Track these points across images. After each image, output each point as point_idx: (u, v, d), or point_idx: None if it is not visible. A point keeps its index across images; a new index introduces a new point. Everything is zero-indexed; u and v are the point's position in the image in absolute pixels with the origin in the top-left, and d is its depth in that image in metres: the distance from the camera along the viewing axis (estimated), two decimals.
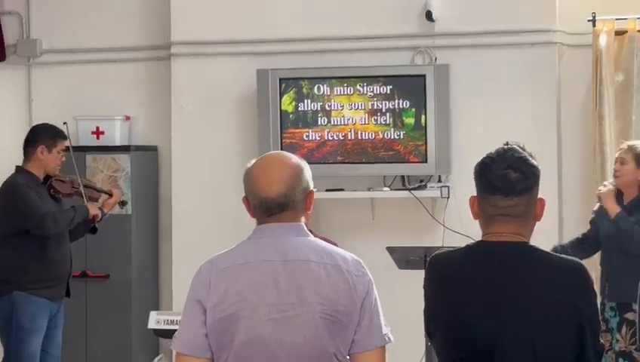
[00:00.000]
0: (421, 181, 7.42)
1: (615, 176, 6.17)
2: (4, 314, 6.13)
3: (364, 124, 7.41)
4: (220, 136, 7.75)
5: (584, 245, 6.22)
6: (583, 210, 6.54)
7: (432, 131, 7.26)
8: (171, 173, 7.87)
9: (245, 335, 2.98)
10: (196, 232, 7.65)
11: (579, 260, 3.14)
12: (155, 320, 6.21)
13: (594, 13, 7.22)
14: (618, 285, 5.93)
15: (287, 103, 7.49)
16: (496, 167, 3.09)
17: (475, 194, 3.16)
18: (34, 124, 6.78)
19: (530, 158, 3.12)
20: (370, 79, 7.39)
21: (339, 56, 7.57)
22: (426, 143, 7.29)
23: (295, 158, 3.14)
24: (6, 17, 8.38)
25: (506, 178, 3.07)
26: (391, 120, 7.37)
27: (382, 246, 6.37)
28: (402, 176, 7.47)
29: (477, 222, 3.19)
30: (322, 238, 3.30)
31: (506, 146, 3.14)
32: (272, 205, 3.06)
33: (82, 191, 6.42)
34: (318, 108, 7.46)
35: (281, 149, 6.72)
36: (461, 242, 3.36)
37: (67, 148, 6.35)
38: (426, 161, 7.30)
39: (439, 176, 7.40)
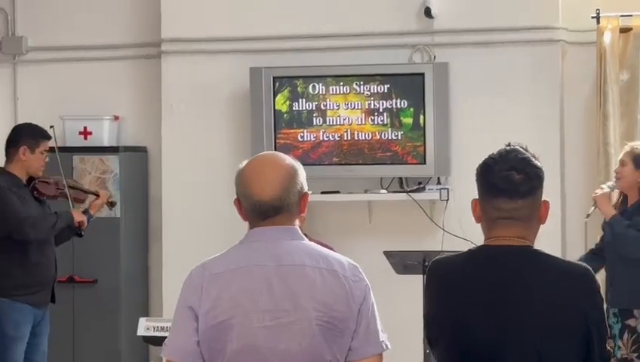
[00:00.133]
0: (419, 183, 7.42)
1: (616, 179, 6.19)
2: None
3: (361, 124, 7.41)
4: (211, 137, 7.75)
5: (597, 255, 6.22)
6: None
7: (430, 132, 7.26)
8: (161, 174, 7.87)
9: (238, 343, 2.97)
10: (187, 236, 7.65)
11: (585, 265, 3.14)
12: (145, 327, 6.20)
13: (598, 9, 7.22)
14: (619, 291, 5.95)
15: (282, 103, 7.49)
16: (498, 169, 3.09)
17: (477, 196, 3.15)
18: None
19: (533, 159, 3.11)
20: (367, 78, 7.39)
21: (335, 54, 7.56)
22: (424, 144, 7.29)
23: (289, 159, 3.13)
24: None
25: (510, 179, 3.07)
26: (388, 120, 7.36)
27: (379, 250, 6.37)
28: (400, 178, 7.47)
29: (477, 225, 3.19)
30: (318, 242, 3.30)
31: (508, 147, 3.13)
32: (266, 208, 3.05)
33: (67, 192, 6.40)
34: (313, 108, 7.46)
35: (275, 150, 6.71)
36: (461, 246, 3.36)
37: (51, 149, 6.33)
38: (424, 163, 7.30)
39: (438, 178, 7.40)
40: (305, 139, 7.47)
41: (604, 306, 5.95)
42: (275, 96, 7.46)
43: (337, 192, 7.50)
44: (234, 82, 7.67)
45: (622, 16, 7.23)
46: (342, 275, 3.04)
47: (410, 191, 7.38)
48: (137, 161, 8.06)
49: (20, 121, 7.03)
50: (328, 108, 7.45)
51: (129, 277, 7.86)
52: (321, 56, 7.57)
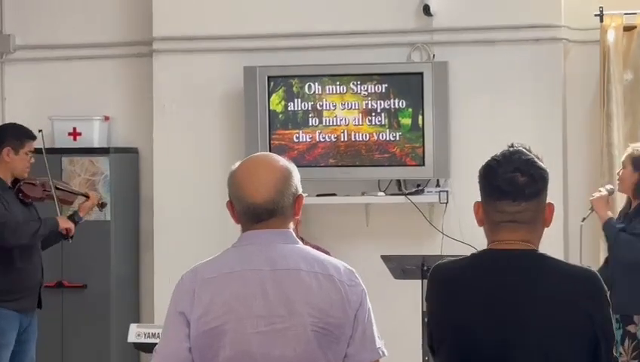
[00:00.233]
0: (418, 185, 7.42)
1: (618, 181, 6.22)
2: None
3: (358, 124, 7.40)
4: (204, 138, 7.74)
5: (608, 263, 6.23)
6: (590, 216, 6.55)
7: (429, 132, 7.26)
8: (153, 176, 7.85)
9: (231, 350, 2.96)
10: (179, 239, 7.63)
11: (592, 269, 3.14)
12: (136, 333, 6.20)
13: (601, 7, 7.22)
14: (620, 297, 5.95)
15: (276, 103, 7.48)
16: (502, 171, 3.08)
17: (479, 199, 3.14)
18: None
19: (538, 161, 3.11)
20: (365, 77, 7.38)
21: (331, 52, 7.56)
22: (423, 145, 7.28)
23: (283, 161, 3.12)
24: None
25: (514, 182, 3.06)
26: (386, 120, 7.36)
27: (376, 254, 6.38)
28: (398, 180, 7.47)
29: (478, 229, 3.18)
30: (314, 246, 3.30)
31: (511, 148, 3.13)
32: (260, 211, 3.04)
33: (54, 194, 6.35)
34: (309, 108, 7.45)
35: (270, 151, 6.70)
36: (461, 250, 3.36)
37: (39, 151, 6.30)
38: (423, 164, 7.30)
39: (437, 180, 7.39)
40: (300, 140, 7.46)
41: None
42: (269, 95, 7.46)
43: (334, 195, 7.49)
44: (227, 81, 7.66)
45: (626, 14, 7.23)
46: (338, 280, 3.03)
47: (408, 194, 7.37)
48: (128, 163, 8.05)
49: (8, 122, 7.01)
50: (324, 108, 7.44)
51: (119, 282, 7.85)
52: (317, 54, 7.56)
